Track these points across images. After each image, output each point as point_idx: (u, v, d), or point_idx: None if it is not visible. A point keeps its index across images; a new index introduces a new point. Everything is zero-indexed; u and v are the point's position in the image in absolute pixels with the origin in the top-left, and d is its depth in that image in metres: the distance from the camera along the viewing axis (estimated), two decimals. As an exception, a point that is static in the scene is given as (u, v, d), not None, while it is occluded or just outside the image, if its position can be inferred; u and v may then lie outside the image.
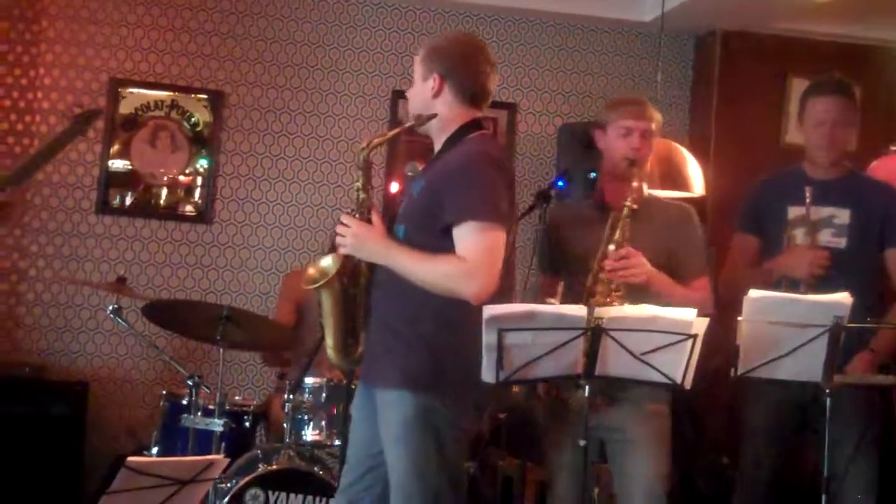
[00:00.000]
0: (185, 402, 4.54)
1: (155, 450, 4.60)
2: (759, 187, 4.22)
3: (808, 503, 3.41)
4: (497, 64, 3.37)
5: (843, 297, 3.23)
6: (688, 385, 3.09)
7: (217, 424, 4.41)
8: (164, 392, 4.76)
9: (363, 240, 3.19)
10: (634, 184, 3.56)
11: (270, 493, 4.33)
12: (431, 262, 3.11)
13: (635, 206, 3.52)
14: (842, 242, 3.96)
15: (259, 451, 4.52)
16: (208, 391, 4.58)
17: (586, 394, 3.12)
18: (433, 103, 3.28)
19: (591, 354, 3.05)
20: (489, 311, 2.95)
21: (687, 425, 4.72)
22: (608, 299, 3.46)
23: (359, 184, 3.27)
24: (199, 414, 4.44)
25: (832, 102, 3.98)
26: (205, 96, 6.09)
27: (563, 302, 3.64)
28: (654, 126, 3.68)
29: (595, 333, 3.02)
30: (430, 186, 3.21)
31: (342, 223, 3.22)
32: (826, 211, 3.97)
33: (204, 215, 6.09)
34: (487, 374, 3.00)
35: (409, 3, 6.27)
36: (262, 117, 6.14)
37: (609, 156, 3.72)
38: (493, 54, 3.37)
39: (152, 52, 6.05)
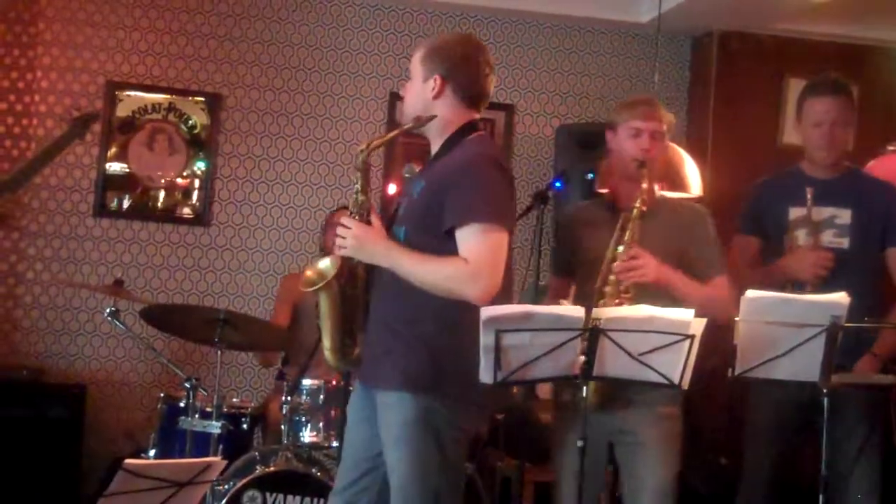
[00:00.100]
0: (182, 404, 4.55)
1: (152, 452, 4.60)
2: (758, 188, 4.22)
3: (810, 503, 3.40)
4: (495, 65, 3.37)
5: (841, 297, 3.23)
6: (685, 385, 3.09)
7: (215, 426, 4.41)
8: (162, 394, 4.76)
9: (364, 241, 3.18)
10: (644, 185, 3.54)
11: (268, 494, 4.33)
12: (434, 264, 3.11)
13: (644, 208, 3.51)
14: (844, 242, 3.96)
15: (257, 453, 4.52)
16: (206, 393, 4.58)
17: (584, 394, 3.12)
18: (434, 104, 3.27)
19: (589, 355, 3.05)
20: (487, 311, 2.95)
21: (684, 425, 4.70)
22: (616, 301, 3.45)
23: (358, 186, 3.25)
24: (197, 416, 4.44)
25: (831, 103, 3.98)
26: (202, 99, 6.09)
27: (574, 304, 3.63)
28: (664, 127, 3.66)
29: (593, 334, 3.02)
30: (431, 188, 3.20)
31: (342, 225, 3.21)
32: (827, 211, 3.97)
33: (201, 218, 6.09)
34: (485, 375, 3.00)
35: (406, 5, 6.28)
36: (260, 120, 6.14)
37: (619, 157, 3.70)
38: (491, 56, 3.37)
39: (149, 54, 6.05)
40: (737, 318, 3.22)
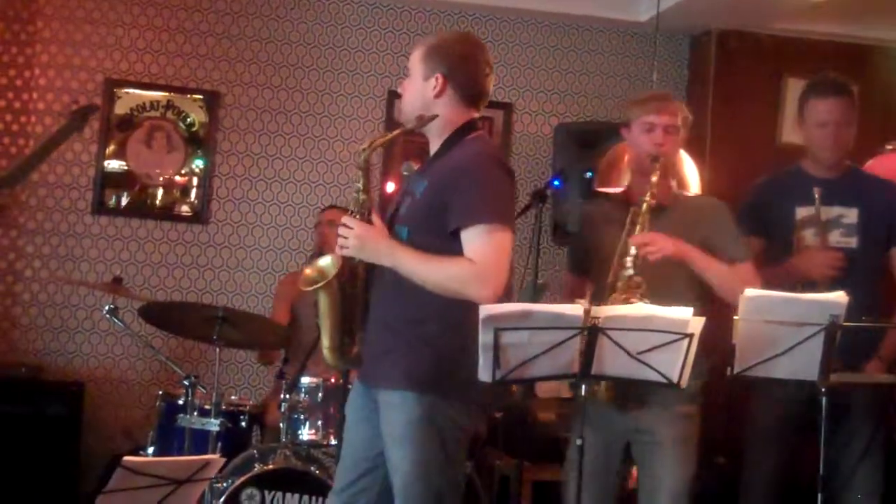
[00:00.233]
0: (181, 402, 4.55)
1: (151, 450, 4.60)
2: (759, 188, 4.20)
3: (812, 503, 3.41)
4: (493, 64, 3.36)
5: (839, 296, 3.23)
6: (684, 384, 3.09)
7: (213, 424, 4.41)
8: (161, 392, 4.77)
9: (367, 241, 3.17)
10: (653, 178, 3.52)
11: (266, 492, 4.33)
12: (440, 265, 3.10)
13: (653, 201, 3.50)
14: (852, 242, 3.96)
15: (255, 451, 4.52)
16: (204, 391, 4.58)
17: (582, 392, 3.12)
18: (434, 103, 3.25)
19: (587, 354, 3.05)
20: (486, 310, 2.94)
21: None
22: (624, 297, 3.42)
23: (359, 184, 3.24)
24: (196, 414, 4.45)
25: (835, 103, 3.97)
26: (200, 97, 6.09)
27: (591, 302, 3.63)
28: (678, 121, 3.64)
29: (591, 333, 3.02)
30: (434, 188, 3.18)
31: (344, 224, 3.20)
32: (835, 211, 3.97)
33: (200, 215, 6.09)
34: (484, 374, 2.99)
35: (405, 3, 6.28)
36: (258, 118, 6.14)
37: (634, 152, 3.70)
38: (490, 54, 3.36)
39: (148, 52, 6.04)
40: (736, 317, 3.22)
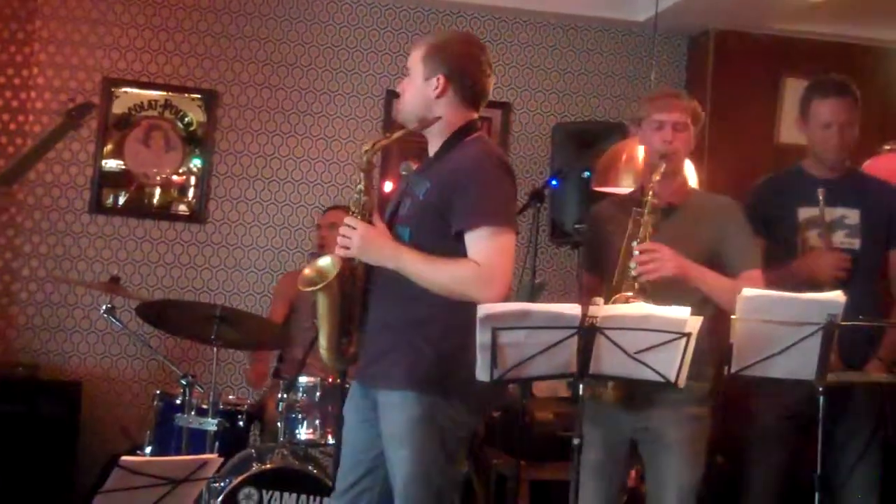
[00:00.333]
0: (178, 401, 4.55)
1: (148, 449, 4.60)
2: (759, 189, 4.18)
3: (813, 502, 3.40)
4: (492, 64, 3.36)
5: (837, 295, 3.22)
6: (681, 384, 3.08)
7: (211, 424, 4.41)
8: (158, 391, 4.77)
9: (370, 242, 3.16)
10: (655, 177, 3.50)
11: (264, 492, 4.33)
12: (444, 267, 3.10)
13: (656, 201, 3.48)
14: (856, 243, 3.96)
15: (253, 451, 4.52)
16: (202, 390, 4.58)
17: (580, 392, 3.12)
18: (435, 104, 3.24)
19: (585, 353, 3.05)
20: (483, 309, 2.94)
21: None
22: (630, 295, 3.41)
23: (361, 185, 3.22)
24: (193, 413, 4.45)
25: (840, 104, 3.97)
26: (198, 96, 6.09)
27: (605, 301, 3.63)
28: (688, 118, 3.62)
29: (588, 332, 3.02)
30: (438, 189, 3.17)
31: (346, 225, 3.19)
32: (838, 211, 3.96)
33: (197, 215, 6.09)
34: (482, 373, 2.99)
35: (403, 2, 6.28)
36: (256, 117, 6.14)
37: (646, 151, 3.69)
38: (490, 55, 3.36)
39: (146, 51, 6.04)
40: (733, 317, 3.22)
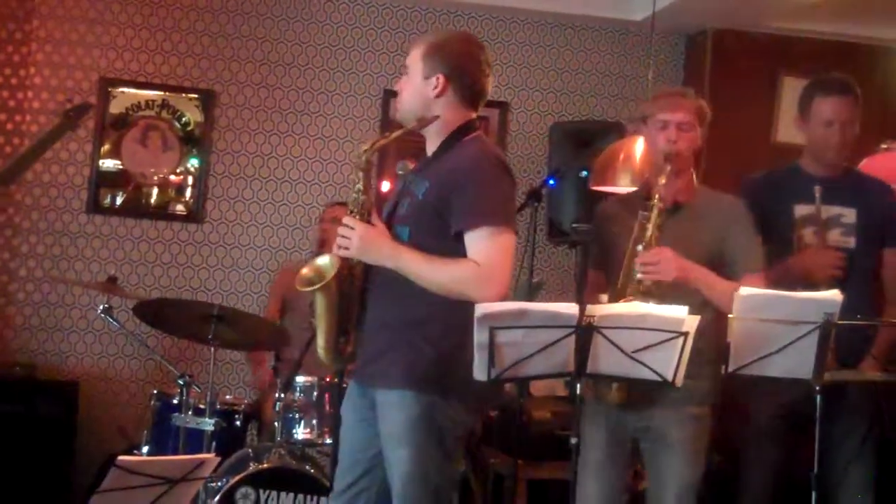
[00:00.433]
0: (175, 401, 4.55)
1: (145, 449, 4.60)
2: (755, 186, 4.16)
3: (808, 501, 3.40)
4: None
5: (834, 294, 3.22)
6: (678, 383, 3.09)
7: (208, 423, 4.41)
8: (155, 391, 4.76)
9: (369, 242, 3.15)
10: (661, 180, 3.48)
11: (261, 491, 4.33)
12: (444, 267, 3.10)
13: (662, 205, 3.47)
14: (851, 242, 3.95)
15: (250, 450, 4.52)
16: (199, 390, 4.58)
17: (577, 391, 3.12)
18: (434, 103, 3.23)
19: (582, 352, 3.05)
20: (481, 309, 2.94)
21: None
22: (633, 299, 3.40)
23: (360, 185, 3.21)
24: (190, 413, 4.44)
25: (842, 102, 3.95)
26: (196, 95, 6.09)
27: (610, 292, 3.63)
28: (693, 118, 3.59)
29: (586, 331, 3.02)
30: (437, 189, 3.16)
31: (345, 224, 3.18)
32: (834, 210, 3.95)
33: (195, 215, 6.09)
34: (479, 372, 2.99)
35: (400, 1, 6.27)
36: (253, 116, 6.14)
37: (650, 149, 3.68)
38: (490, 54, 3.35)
39: (143, 51, 6.04)
40: (730, 315, 3.22)
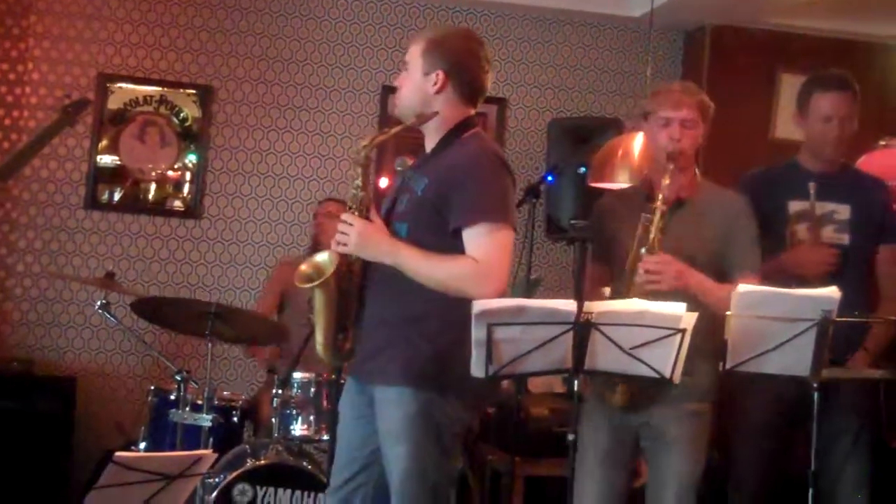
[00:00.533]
0: (173, 397, 4.55)
1: (143, 445, 4.60)
2: (752, 181, 4.15)
3: (804, 498, 3.41)
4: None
5: (832, 291, 3.22)
6: (676, 380, 3.08)
7: (205, 419, 4.41)
8: (153, 387, 4.76)
9: (368, 238, 3.14)
10: (665, 181, 3.46)
11: (259, 487, 4.33)
12: (442, 263, 3.10)
13: (665, 207, 3.44)
14: (845, 239, 3.95)
15: (247, 446, 4.52)
16: (196, 386, 4.58)
17: (575, 387, 3.12)
18: (434, 99, 3.23)
19: (580, 349, 3.04)
20: (479, 305, 2.94)
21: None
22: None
23: (358, 181, 3.21)
24: (188, 409, 4.44)
25: (841, 98, 3.94)
26: (194, 91, 6.08)
27: (612, 288, 3.62)
28: (696, 115, 3.55)
29: (584, 328, 3.02)
30: (436, 185, 3.16)
31: (343, 221, 3.18)
32: (828, 206, 3.95)
33: (193, 210, 6.08)
34: (477, 369, 2.99)
35: (399, -3, 6.28)
36: (252, 112, 6.13)
37: (653, 147, 3.66)
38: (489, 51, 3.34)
39: (141, 46, 6.03)
40: (728, 312, 3.21)
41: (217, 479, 4.30)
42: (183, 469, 3.23)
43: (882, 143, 4.89)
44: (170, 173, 6.08)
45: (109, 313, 4.68)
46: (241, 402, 4.84)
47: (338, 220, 3.22)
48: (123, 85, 6.02)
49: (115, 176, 6.01)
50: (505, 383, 4.33)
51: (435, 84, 3.22)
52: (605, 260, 3.74)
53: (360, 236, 3.14)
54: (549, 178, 4.80)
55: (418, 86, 3.25)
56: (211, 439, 4.41)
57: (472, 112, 3.31)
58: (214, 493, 4.27)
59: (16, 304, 5.91)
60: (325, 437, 4.48)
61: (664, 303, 3.07)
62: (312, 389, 4.60)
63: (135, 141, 6.03)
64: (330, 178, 6.18)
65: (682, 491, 3.53)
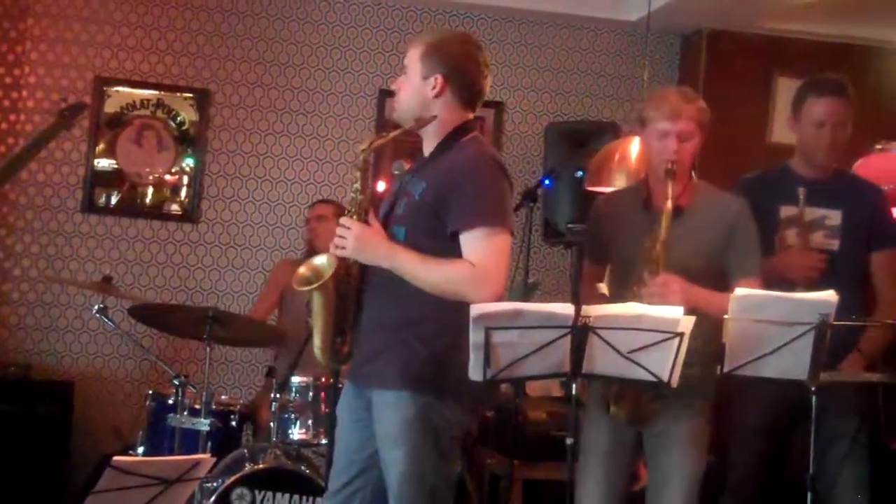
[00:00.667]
0: (171, 401, 4.54)
1: (141, 449, 4.60)
2: (745, 186, 4.15)
3: (802, 502, 3.41)
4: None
5: (829, 295, 3.22)
6: (674, 383, 3.09)
7: (203, 424, 4.41)
8: (151, 391, 4.76)
9: (365, 242, 3.14)
10: (668, 205, 3.42)
11: (257, 492, 4.33)
12: (440, 267, 3.10)
13: (665, 236, 3.41)
14: (834, 244, 3.94)
15: (245, 451, 4.52)
16: (194, 390, 4.58)
17: (573, 391, 3.12)
18: (433, 103, 3.23)
19: (578, 353, 3.05)
20: (476, 309, 2.94)
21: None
22: None
23: (357, 185, 3.21)
24: (186, 413, 4.44)
25: (834, 104, 3.93)
26: (191, 95, 6.08)
27: (610, 291, 3.62)
28: (693, 125, 3.51)
29: (581, 332, 3.02)
30: (434, 189, 3.16)
31: (341, 225, 3.18)
32: (819, 212, 3.94)
33: (190, 214, 6.08)
34: (474, 373, 2.99)
35: (396, 1, 6.27)
36: (249, 116, 6.13)
37: (649, 156, 3.63)
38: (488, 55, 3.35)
39: (138, 50, 6.03)
40: (726, 316, 3.22)
41: (215, 484, 4.29)
42: (181, 473, 3.23)
43: (878, 146, 4.89)
44: (167, 177, 6.08)
45: (107, 317, 4.68)
46: (239, 406, 4.84)
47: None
48: (120, 88, 6.02)
49: (112, 180, 6.01)
50: (503, 387, 4.34)
51: (434, 88, 3.22)
52: (600, 261, 3.76)
53: (358, 240, 3.14)
54: (547, 181, 4.80)
55: (417, 89, 3.25)
56: (209, 443, 4.41)
57: (471, 116, 3.31)
58: (213, 498, 4.27)
59: (13, 308, 5.91)
60: (324, 441, 4.47)
61: (662, 307, 3.08)
62: (310, 393, 4.60)
63: (132, 145, 6.03)
64: (327, 181, 6.18)
65: (683, 491, 3.53)
